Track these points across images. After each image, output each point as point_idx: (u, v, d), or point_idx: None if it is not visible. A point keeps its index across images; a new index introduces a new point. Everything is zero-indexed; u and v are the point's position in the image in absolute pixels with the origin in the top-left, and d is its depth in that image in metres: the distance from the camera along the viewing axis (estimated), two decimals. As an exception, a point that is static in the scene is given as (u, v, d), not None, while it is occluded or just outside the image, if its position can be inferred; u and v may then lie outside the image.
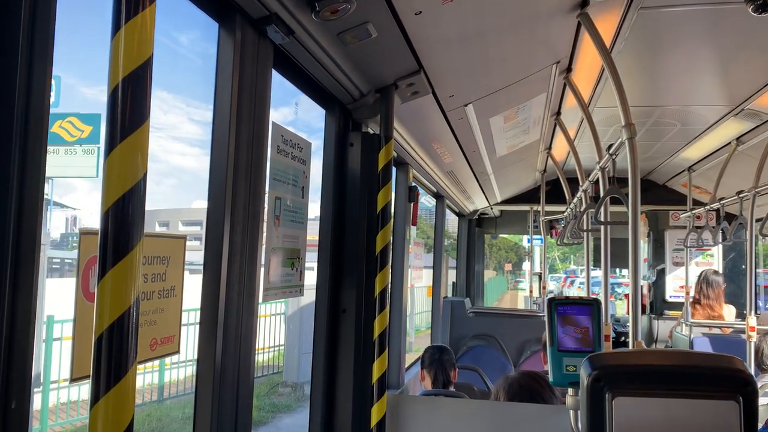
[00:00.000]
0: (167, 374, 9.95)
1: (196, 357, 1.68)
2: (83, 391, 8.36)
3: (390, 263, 2.55)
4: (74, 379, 1.14)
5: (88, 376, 0.91)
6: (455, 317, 5.88)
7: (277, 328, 12.18)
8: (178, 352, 1.50)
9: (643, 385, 1.03)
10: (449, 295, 7.29)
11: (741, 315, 5.58)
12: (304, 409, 10.04)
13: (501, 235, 11.16)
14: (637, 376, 1.04)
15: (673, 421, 1.01)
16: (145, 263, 1.36)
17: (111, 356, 0.88)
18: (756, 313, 4.10)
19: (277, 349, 12.18)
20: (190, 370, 10.22)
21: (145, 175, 0.92)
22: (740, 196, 4.52)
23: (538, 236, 7.80)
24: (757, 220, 4.24)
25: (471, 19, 2.19)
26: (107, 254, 0.88)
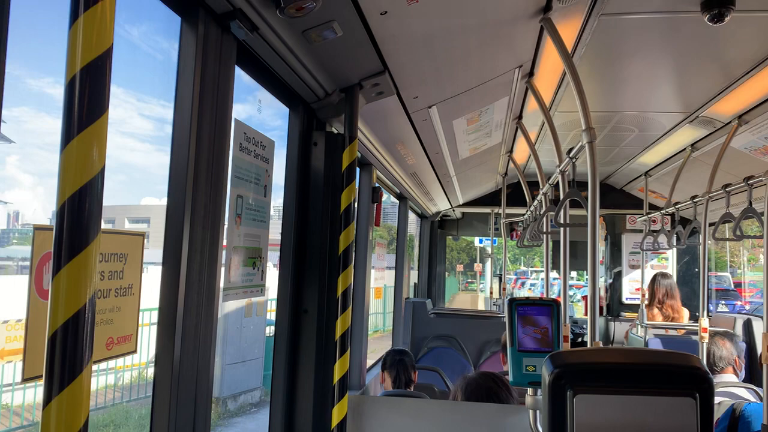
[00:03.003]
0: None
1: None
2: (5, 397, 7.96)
3: (353, 263, 2.54)
4: (25, 379, 1.10)
5: (40, 376, 0.88)
6: (417, 318, 5.90)
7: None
8: (135, 351, 1.46)
9: (604, 383, 1.05)
10: (411, 296, 7.31)
11: (694, 317, 5.74)
12: (226, 428, 9.62)
13: (462, 237, 11.27)
14: (598, 374, 1.06)
15: (633, 417, 1.03)
16: (102, 260, 1.33)
17: (65, 355, 0.85)
18: (708, 314, 4.22)
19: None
20: (113, 377, 9.51)
21: (102, 169, 0.90)
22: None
23: (497, 238, 7.91)
24: (710, 225, 4.36)
25: (436, 20, 2.20)
26: (62, 250, 0.86)
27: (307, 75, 2.22)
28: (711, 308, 9.01)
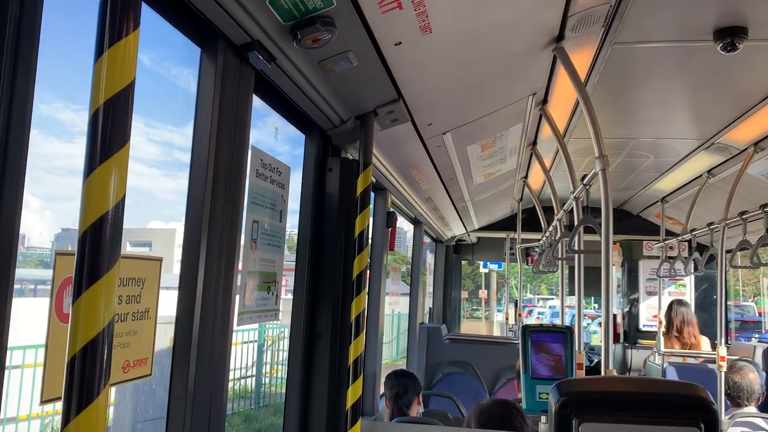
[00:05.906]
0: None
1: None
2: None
3: (367, 288, 2.55)
4: (44, 401, 1.12)
5: (59, 398, 0.90)
6: (431, 343, 5.87)
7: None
8: (150, 374, 1.48)
9: (609, 412, 1.05)
10: (426, 321, 7.29)
11: (714, 345, 5.65)
12: None
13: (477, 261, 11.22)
14: (604, 403, 1.07)
15: None
16: (120, 285, 1.36)
17: (83, 378, 0.87)
18: (726, 343, 4.16)
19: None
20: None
21: (123, 197, 0.93)
22: (711, 227, 4.62)
23: (504, 262, 7.92)
24: (728, 251, 4.32)
25: (450, 50, 2.24)
26: (83, 276, 0.88)
27: (323, 103, 2.26)
28: (741, 340, 8.75)
